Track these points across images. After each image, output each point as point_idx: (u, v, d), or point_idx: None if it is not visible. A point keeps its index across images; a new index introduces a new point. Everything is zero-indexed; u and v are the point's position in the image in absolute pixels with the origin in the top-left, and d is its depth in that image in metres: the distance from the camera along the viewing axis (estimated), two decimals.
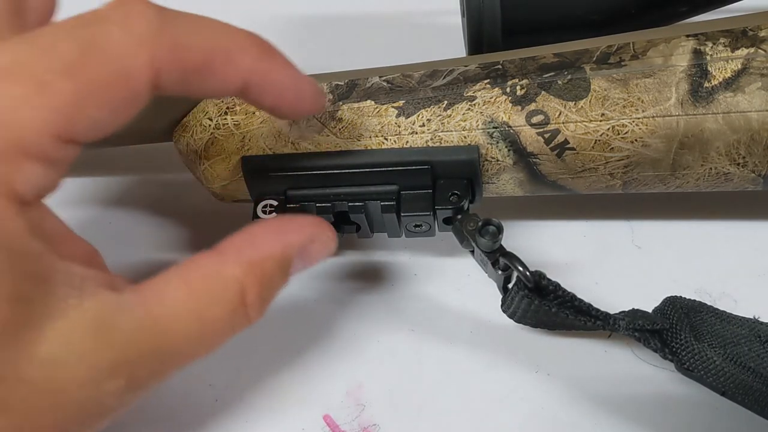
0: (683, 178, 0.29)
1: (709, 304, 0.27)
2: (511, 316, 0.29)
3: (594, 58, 0.29)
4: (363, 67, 0.31)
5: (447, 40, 0.38)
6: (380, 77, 0.30)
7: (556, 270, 0.31)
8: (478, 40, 0.32)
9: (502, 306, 0.29)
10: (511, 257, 0.27)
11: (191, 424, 0.29)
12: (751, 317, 0.27)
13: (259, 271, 0.23)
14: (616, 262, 0.32)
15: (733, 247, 0.32)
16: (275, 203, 0.29)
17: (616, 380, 0.28)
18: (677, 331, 0.26)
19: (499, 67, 0.29)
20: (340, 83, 0.30)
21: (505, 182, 0.30)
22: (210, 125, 0.30)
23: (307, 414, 0.28)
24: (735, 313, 0.27)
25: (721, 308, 0.27)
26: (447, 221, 0.29)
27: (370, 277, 0.32)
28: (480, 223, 0.28)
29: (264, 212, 0.29)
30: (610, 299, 0.30)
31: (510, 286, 0.28)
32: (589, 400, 0.28)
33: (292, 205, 0.29)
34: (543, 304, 0.27)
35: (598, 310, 0.26)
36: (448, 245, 0.33)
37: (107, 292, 0.21)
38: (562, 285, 0.27)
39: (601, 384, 0.28)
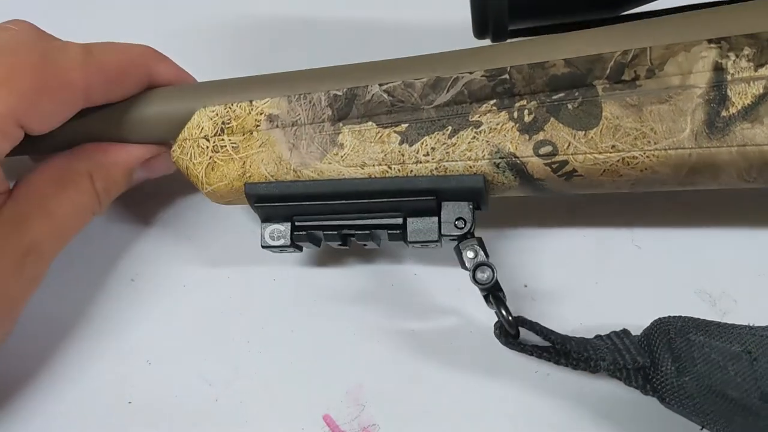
0: (690, 188, 0.28)
1: (701, 317, 0.27)
2: (497, 338, 0.29)
3: (607, 71, 0.27)
4: (359, 61, 0.30)
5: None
6: (380, 86, 0.29)
7: (556, 270, 0.31)
8: (483, 21, 0.30)
9: (495, 328, 0.29)
10: (498, 301, 0.28)
11: (191, 424, 0.29)
12: (746, 324, 0.26)
13: (105, 170, 0.30)
14: (616, 262, 0.32)
15: (733, 247, 0.32)
16: (282, 228, 0.30)
17: (615, 380, 0.28)
18: (658, 366, 0.25)
19: (506, 77, 0.28)
20: (338, 93, 0.29)
21: (509, 194, 0.29)
22: (208, 147, 0.30)
23: (307, 414, 0.28)
24: (735, 312, 0.27)
25: (722, 308, 0.27)
26: (452, 239, 0.29)
27: (371, 277, 0.32)
28: (476, 264, 0.28)
29: (272, 238, 0.29)
30: (610, 299, 0.30)
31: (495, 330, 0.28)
32: (589, 400, 0.28)
33: (299, 233, 0.29)
34: (523, 349, 0.27)
35: (579, 353, 0.26)
36: (448, 245, 0.32)
37: None
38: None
39: (601, 384, 0.28)
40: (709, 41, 0.26)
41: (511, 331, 0.27)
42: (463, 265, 0.28)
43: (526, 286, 0.31)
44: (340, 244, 0.30)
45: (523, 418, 0.28)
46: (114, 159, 0.31)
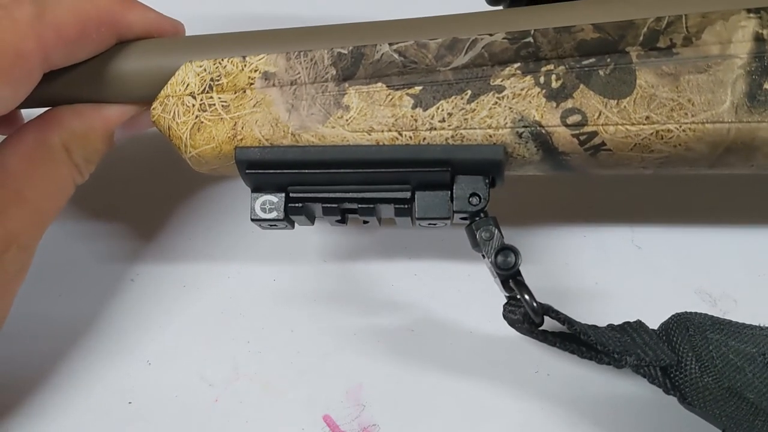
0: (719, 171, 0.27)
1: (716, 315, 0.26)
2: (508, 324, 0.27)
3: (641, 38, 0.25)
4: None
5: None
6: (390, 45, 0.26)
7: (556, 270, 0.31)
8: None
9: (504, 315, 0.27)
10: (523, 288, 0.25)
11: (191, 424, 0.29)
12: (758, 325, 0.26)
13: (82, 138, 0.28)
14: (617, 262, 0.32)
15: (733, 247, 0.32)
16: (275, 200, 0.27)
17: (615, 380, 0.28)
18: (683, 365, 0.24)
19: (530, 41, 0.26)
20: (343, 51, 0.26)
21: (525, 171, 0.27)
22: (194, 105, 0.27)
23: (307, 414, 0.28)
24: (735, 312, 0.27)
25: (722, 308, 0.27)
26: (463, 218, 0.27)
27: (370, 277, 0.32)
28: (498, 248, 0.25)
29: (263, 210, 0.27)
30: (610, 299, 0.30)
31: (514, 316, 0.26)
32: (589, 400, 0.28)
33: (294, 205, 0.27)
34: (547, 340, 0.25)
35: (605, 346, 0.24)
36: (448, 245, 0.32)
37: None
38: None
39: (601, 384, 0.28)
40: (748, 11, 0.25)
41: (537, 319, 0.25)
42: (475, 246, 0.26)
43: None
44: (339, 221, 0.28)
45: (523, 418, 0.28)
46: (90, 123, 0.28)
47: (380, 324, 0.31)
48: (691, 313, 0.26)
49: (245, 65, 0.27)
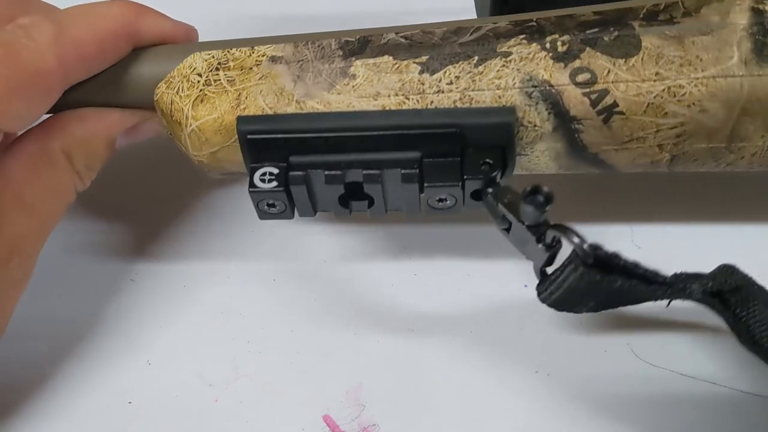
0: (738, 152, 0.26)
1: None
2: (552, 302, 0.26)
3: (641, 16, 0.25)
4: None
5: None
6: (396, 34, 0.27)
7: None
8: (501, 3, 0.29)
9: (540, 290, 0.26)
10: (564, 229, 0.23)
11: (191, 424, 0.29)
12: None
13: (83, 145, 0.28)
14: None
15: (733, 247, 0.32)
16: (276, 171, 0.25)
17: (616, 380, 0.28)
18: (748, 297, 0.24)
19: (534, 24, 0.26)
20: (350, 39, 0.27)
21: (539, 154, 0.26)
22: (199, 81, 0.27)
23: (307, 414, 0.28)
24: None
25: None
26: (476, 195, 0.26)
27: (370, 277, 0.32)
28: (527, 190, 0.23)
29: (263, 180, 0.25)
30: None
31: (549, 270, 0.25)
32: (589, 400, 0.28)
33: (295, 173, 0.25)
34: (605, 279, 0.23)
35: (665, 277, 0.23)
36: (448, 245, 0.33)
37: None
38: None
39: (601, 384, 0.28)
40: None
41: (588, 260, 0.23)
42: (496, 219, 0.25)
43: (526, 286, 0.31)
44: (342, 204, 0.27)
45: (523, 418, 0.28)
46: (92, 129, 0.28)
47: (380, 324, 0.31)
48: (737, 267, 0.25)
49: (253, 52, 0.27)
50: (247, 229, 0.34)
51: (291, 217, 0.27)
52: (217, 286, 0.32)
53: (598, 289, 0.24)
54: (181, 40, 0.29)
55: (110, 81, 0.28)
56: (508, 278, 0.31)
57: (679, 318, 0.29)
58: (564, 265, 0.24)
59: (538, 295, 0.26)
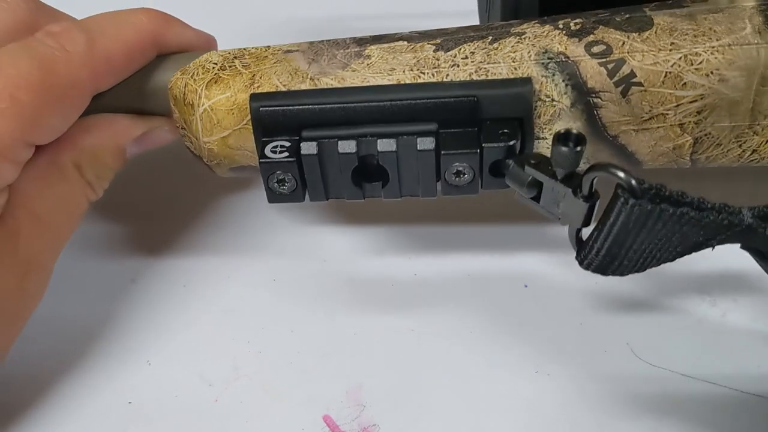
0: (762, 134, 0.25)
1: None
2: (599, 261, 0.24)
3: (651, 6, 0.26)
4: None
5: None
6: (410, 32, 0.27)
7: (557, 270, 0.31)
8: (512, 11, 0.29)
9: (582, 254, 0.24)
10: (604, 166, 0.21)
11: (191, 424, 0.29)
12: None
13: (93, 157, 0.28)
14: None
15: (734, 246, 0.32)
16: (288, 144, 0.25)
17: (616, 380, 0.28)
18: None
19: (545, 18, 0.26)
20: (364, 36, 0.27)
21: (558, 126, 0.26)
22: (215, 67, 0.27)
23: (307, 414, 0.28)
24: (735, 312, 0.27)
25: (721, 308, 0.27)
26: (495, 171, 0.25)
27: (371, 277, 0.32)
28: (557, 134, 0.22)
29: (274, 152, 0.24)
30: (610, 299, 0.30)
31: (586, 231, 0.23)
32: (589, 400, 0.28)
33: (307, 143, 0.25)
34: (656, 209, 0.21)
35: (714, 203, 0.22)
36: (448, 245, 0.33)
37: None
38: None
39: (601, 384, 0.28)
40: None
41: (638, 192, 0.21)
42: (522, 188, 0.24)
43: (526, 286, 0.31)
44: (354, 182, 0.26)
45: (523, 418, 0.28)
46: (101, 141, 0.28)
47: (380, 324, 0.31)
48: None
49: (268, 48, 0.28)
50: (247, 230, 0.34)
51: (302, 199, 0.26)
52: (218, 286, 0.32)
53: (648, 226, 0.22)
54: (202, 49, 0.30)
55: (133, 87, 0.28)
56: (508, 278, 0.31)
57: (680, 318, 0.29)
58: (609, 208, 0.22)
59: (581, 262, 0.24)
